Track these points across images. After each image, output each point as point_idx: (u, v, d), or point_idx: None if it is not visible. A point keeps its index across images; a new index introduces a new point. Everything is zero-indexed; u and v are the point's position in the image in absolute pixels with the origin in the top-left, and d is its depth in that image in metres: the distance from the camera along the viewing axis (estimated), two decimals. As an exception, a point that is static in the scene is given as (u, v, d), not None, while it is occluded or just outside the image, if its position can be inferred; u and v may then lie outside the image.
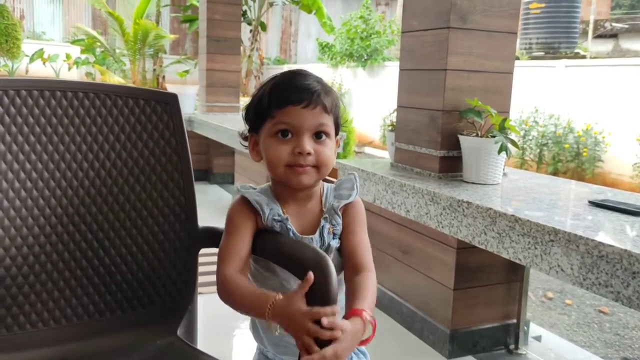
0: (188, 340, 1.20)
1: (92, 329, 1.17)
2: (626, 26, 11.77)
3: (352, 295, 0.92)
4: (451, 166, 2.07)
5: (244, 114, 1.04)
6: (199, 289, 1.31)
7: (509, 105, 2.15)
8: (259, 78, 11.24)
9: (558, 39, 9.71)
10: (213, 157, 5.18)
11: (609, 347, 2.55)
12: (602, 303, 3.04)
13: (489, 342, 2.08)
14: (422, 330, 2.16)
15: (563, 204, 1.77)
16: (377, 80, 10.46)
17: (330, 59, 11.84)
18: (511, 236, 1.50)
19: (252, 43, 10.26)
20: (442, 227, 1.78)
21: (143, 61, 8.61)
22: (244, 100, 5.95)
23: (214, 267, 0.97)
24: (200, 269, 1.28)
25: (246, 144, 1.05)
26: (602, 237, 1.29)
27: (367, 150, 9.64)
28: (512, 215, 1.49)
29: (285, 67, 13.36)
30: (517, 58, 7.87)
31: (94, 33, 9.04)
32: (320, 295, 0.86)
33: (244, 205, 1.00)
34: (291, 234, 0.99)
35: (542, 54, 9.58)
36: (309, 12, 9.99)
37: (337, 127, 1.01)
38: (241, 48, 7.49)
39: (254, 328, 1.08)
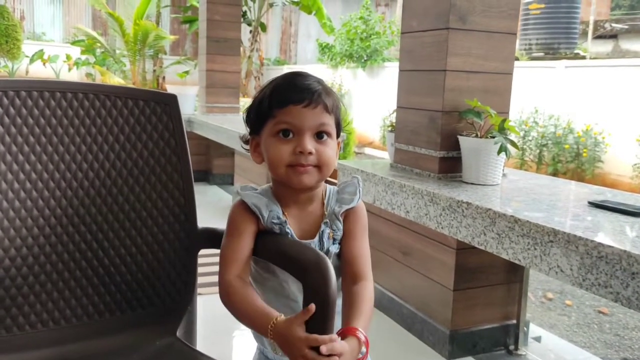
0: (187, 341, 1.20)
1: (91, 329, 1.17)
2: (626, 27, 11.77)
3: (349, 307, 0.93)
4: (451, 167, 2.07)
5: (244, 117, 1.04)
6: (199, 290, 1.31)
7: (509, 106, 2.15)
8: (258, 79, 11.24)
9: (558, 40, 9.71)
10: (213, 158, 5.18)
11: (608, 347, 2.55)
12: (602, 304, 3.04)
13: (489, 342, 2.08)
14: (422, 331, 2.16)
15: (563, 205, 1.77)
16: (377, 80, 10.46)
17: (330, 60, 11.85)
18: (510, 237, 1.50)
19: (252, 44, 10.26)
20: (442, 227, 1.78)
21: (143, 62, 8.61)
22: (244, 101, 5.96)
23: (213, 268, 0.97)
24: (200, 269, 1.28)
25: (247, 147, 1.05)
26: (602, 238, 1.29)
27: (367, 151, 9.64)
28: (512, 216, 1.49)
29: (285, 68, 13.37)
30: (517, 59, 7.89)
31: (94, 34, 9.03)
32: (319, 297, 0.86)
33: (245, 207, 1.00)
34: (290, 237, 0.99)
35: (542, 54, 9.58)
36: (309, 12, 9.99)
37: (339, 128, 1.01)
38: (241, 49, 7.50)
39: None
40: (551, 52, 9.58)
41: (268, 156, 0.98)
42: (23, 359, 1.09)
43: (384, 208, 2.11)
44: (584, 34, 11.15)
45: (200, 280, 1.31)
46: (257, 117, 1.00)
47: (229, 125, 4.11)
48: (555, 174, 6.48)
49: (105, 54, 9.27)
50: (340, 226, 1.01)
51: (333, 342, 0.82)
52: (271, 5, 10.26)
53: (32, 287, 1.13)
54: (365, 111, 10.14)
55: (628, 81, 6.25)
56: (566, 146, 6.58)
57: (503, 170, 2.05)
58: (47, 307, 1.14)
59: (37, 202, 1.14)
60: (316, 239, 1.00)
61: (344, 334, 0.87)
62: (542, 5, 9.64)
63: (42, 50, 10.70)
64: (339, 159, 3.41)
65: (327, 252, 0.99)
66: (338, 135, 1.01)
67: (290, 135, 0.95)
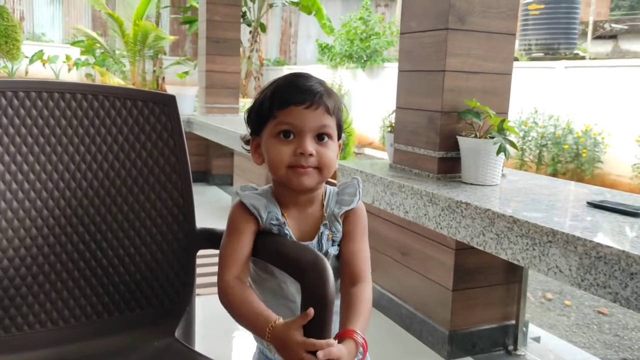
0: (186, 341, 1.20)
1: (89, 330, 1.17)
2: (625, 27, 11.78)
3: (347, 309, 0.93)
4: (450, 167, 2.07)
5: (245, 117, 1.04)
6: (197, 291, 1.31)
7: (508, 107, 2.15)
8: (258, 79, 11.24)
9: (557, 40, 9.72)
10: (212, 159, 5.19)
11: (608, 348, 2.55)
12: (601, 304, 3.04)
13: (488, 343, 2.08)
14: (421, 331, 2.16)
15: (562, 205, 1.77)
16: (376, 81, 10.46)
17: (330, 60, 11.85)
18: (509, 237, 1.50)
19: (251, 44, 10.26)
20: (441, 228, 1.78)
21: (143, 62, 8.61)
22: (244, 102, 5.97)
23: (212, 269, 0.97)
24: (198, 270, 1.28)
25: (248, 147, 1.05)
26: (600, 238, 1.29)
27: (367, 151, 9.64)
28: (511, 216, 1.49)
29: (285, 69, 13.37)
30: (517, 59, 7.89)
31: (94, 34, 9.03)
32: (317, 297, 0.86)
33: (244, 207, 1.00)
34: (289, 238, 0.99)
35: (541, 55, 9.59)
36: (309, 13, 10.00)
37: (340, 130, 1.00)
38: (241, 49, 7.49)
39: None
40: (551, 52, 9.59)
41: (268, 157, 0.98)
42: (21, 360, 1.09)
43: (383, 208, 2.11)
44: (584, 34, 11.15)
45: (198, 280, 1.30)
46: (258, 117, 1.00)
47: (228, 126, 4.11)
48: (554, 174, 6.48)
49: (104, 55, 9.27)
50: (340, 228, 1.01)
51: (330, 347, 0.82)
52: (271, 5, 10.27)
53: (31, 288, 1.13)
54: (365, 112, 10.14)
55: (628, 82, 6.25)
56: (566, 146, 6.58)
57: (502, 170, 2.05)
58: (45, 307, 1.14)
59: (35, 202, 1.14)
60: (315, 240, 1.00)
61: (341, 337, 0.87)
62: (542, 6, 9.65)
63: (41, 50, 10.70)
64: (339, 159, 3.41)
65: (326, 254, 0.99)
66: (339, 137, 1.00)
67: (291, 137, 0.95)
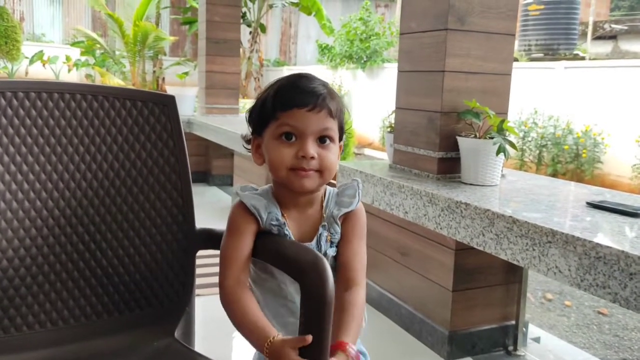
0: (185, 342, 1.20)
1: (89, 330, 1.17)
2: (625, 27, 11.79)
3: (339, 315, 0.93)
4: (449, 167, 2.07)
5: (247, 116, 1.04)
6: (197, 291, 1.31)
7: (507, 107, 2.15)
8: (258, 80, 11.25)
9: (557, 41, 9.72)
10: (212, 159, 5.19)
11: (608, 348, 2.55)
12: (601, 304, 3.04)
13: (488, 343, 2.08)
14: (420, 331, 2.16)
15: (561, 206, 1.77)
16: (376, 81, 10.47)
17: (330, 61, 11.85)
18: (509, 237, 1.50)
19: (251, 45, 10.27)
20: (441, 228, 1.78)
21: (143, 63, 8.61)
22: (244, 102, 5.97)
23: (211, 269, 0.97)
24: (198, 270, 1.28)
25: (249, 146, 1.04)
26: (600, 239, 1.29)
27: (367, 151, 9.65)
28: (510, 217, 1.49)
29: (285, 69, 13.38)
30: (516, 59, 7.89)
31: (94, 35, 9.04)
32: (316, 298, 0.87)
33: (245, 207, 1.00)
34: (288, 239, 0.99)
35: (541, 55, 9.59)
36: (309, 13, 10.01)
37: (341, 132, 1.00)
38: (241, 50, 7.50)
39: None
40: (550, 53, 9.59)
41: (269, 158, 0.98)
42: (21, 360, 1.09)
43: (383, 209, 2.11)
44: (584, 34, 11.16)
45: (198, 281, 1.30)
46: (259, 117, 0.99)
47: (228, 127, 4.11)
48: (554, 174, 6.49)
49: (104, 55, 9.28)
50: (338, 229, 1.01)
51: None
52: (271, 6, 10.28)
53: (30, 288, 1.13)
54: (365, 112, 10.15)
55: (627, 82, 6.25)
56: (565, 147, 6.58)
57: (502, 171, 2.05)
58: (44, 307, 1.14)
59: (34, 203, 1.14)
60: (314, 241, 1.00)
61: (333, 350, 0.87)
62: (542, 6, 9.65)
63: (41, 51, 10.70)
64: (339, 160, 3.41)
65: (325, 255, 0.99)
66: (340, 139, 1.00)
67: (293, 139, 0.95)
